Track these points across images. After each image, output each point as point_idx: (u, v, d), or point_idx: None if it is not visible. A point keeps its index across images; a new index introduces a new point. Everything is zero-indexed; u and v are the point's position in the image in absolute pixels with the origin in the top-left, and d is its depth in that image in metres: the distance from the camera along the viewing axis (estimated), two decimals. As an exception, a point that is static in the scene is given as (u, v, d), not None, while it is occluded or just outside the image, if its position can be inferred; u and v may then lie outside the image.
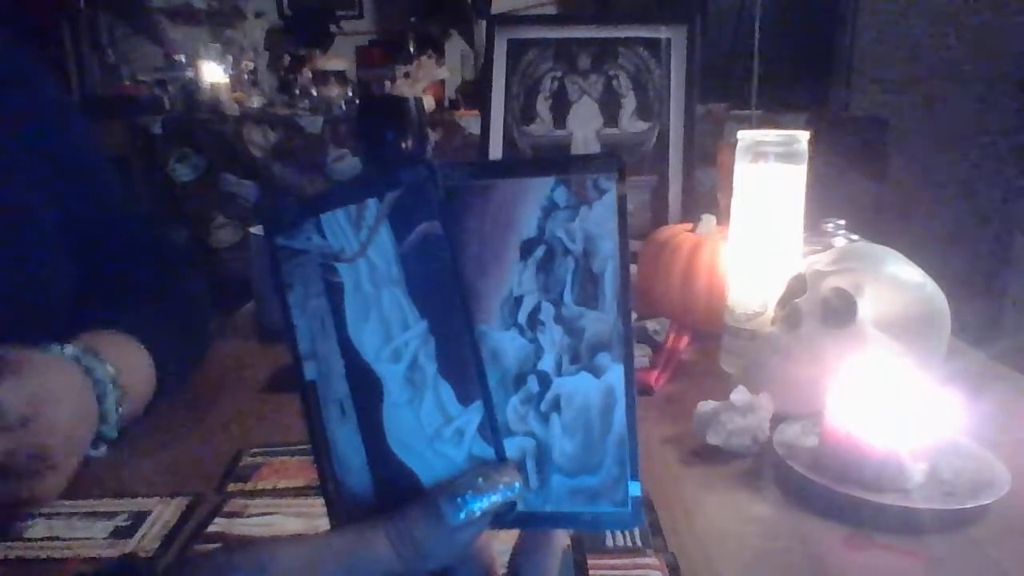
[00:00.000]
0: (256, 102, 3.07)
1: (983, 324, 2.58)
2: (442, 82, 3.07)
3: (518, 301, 0.29)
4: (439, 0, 3.20)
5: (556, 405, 0.29)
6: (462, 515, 0.28)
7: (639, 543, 0.50)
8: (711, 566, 0.48)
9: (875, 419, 0.54)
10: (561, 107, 1.22)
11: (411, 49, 3.17)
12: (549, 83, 1.22)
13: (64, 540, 0.51)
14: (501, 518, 0.29)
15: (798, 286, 0.71)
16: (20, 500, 0.50)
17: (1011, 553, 0.49)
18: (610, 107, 1.21)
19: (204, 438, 0.67)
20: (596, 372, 0.29)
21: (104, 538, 0.51)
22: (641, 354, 0.79)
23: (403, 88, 2.83)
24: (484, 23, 1.45)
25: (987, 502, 0.52)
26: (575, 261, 0.29)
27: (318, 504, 0.54)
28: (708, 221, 0.94)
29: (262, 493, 0.57)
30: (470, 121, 2.67)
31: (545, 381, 0.29)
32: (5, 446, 0.47)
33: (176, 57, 3.22)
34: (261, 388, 0.78)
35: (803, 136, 0.75)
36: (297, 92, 3.09)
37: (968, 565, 0.49)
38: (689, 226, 0.97)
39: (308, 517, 0.54)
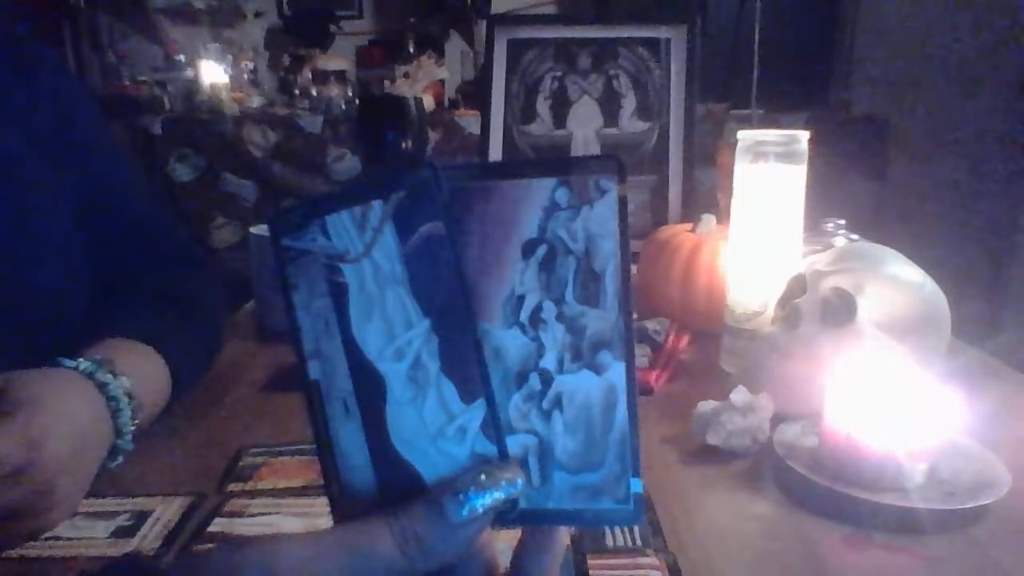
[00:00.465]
0: (256, 102, 3.07)
1: (983, 323, 2.58)
2: (442, 82, 3.07)
3: (520, 300, 0.29)
4: (439, 0, 3.20)
5: (558, 403, 0.29)
6: (465, 512, 0.28)
7: (639, 543, 0.50)
8: (711, 566, 0.48)
9: (875, 419, 0.54)
10: (561, 107, 1.22)
11: (411, 49, 3.17)
12: (549, 83, 1.22)
13: (66, 540, 0.51)
14: (504, 515, 0.29)
15: (798, 286, 0.71)
16: (21, 536, 0.49)
17: (1011, 553, 0.49)
18: (610, 107, 1.22)
19: (204, 438, 0.67)
20: (598, 370, 0.29)
21: (105, 538, 0.52)
22: (641, 354, 0.79)
23: (403, 88, 2.83)
24: (484, 23, 1.45)
25: (987, 502, 0.52)
26: (576, 260, 0.29)
27: (318, 504, 0.55)
28: (708, 221, 0.94)
29: (262, 493, 0.57)
30: (470, 121, 2.67)
31: (547, 379, 0.29)
32: (2, 495, 0.45)
33: (176, 57, 3.22)
34: (261, 388, 0.78)
35: (803, 136, 0.75)
36: (297, 92, 3.09)
37: (968, 565, 0.49)
38: (689, 226, 0.97)
39: (308, 517, 0.54)
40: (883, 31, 3.08)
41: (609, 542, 0.50)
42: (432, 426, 0.30)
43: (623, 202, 0.28)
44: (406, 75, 2.88)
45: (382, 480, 0.31)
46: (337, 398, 0.31)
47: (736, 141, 0.78)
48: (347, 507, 0.31)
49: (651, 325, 0.85)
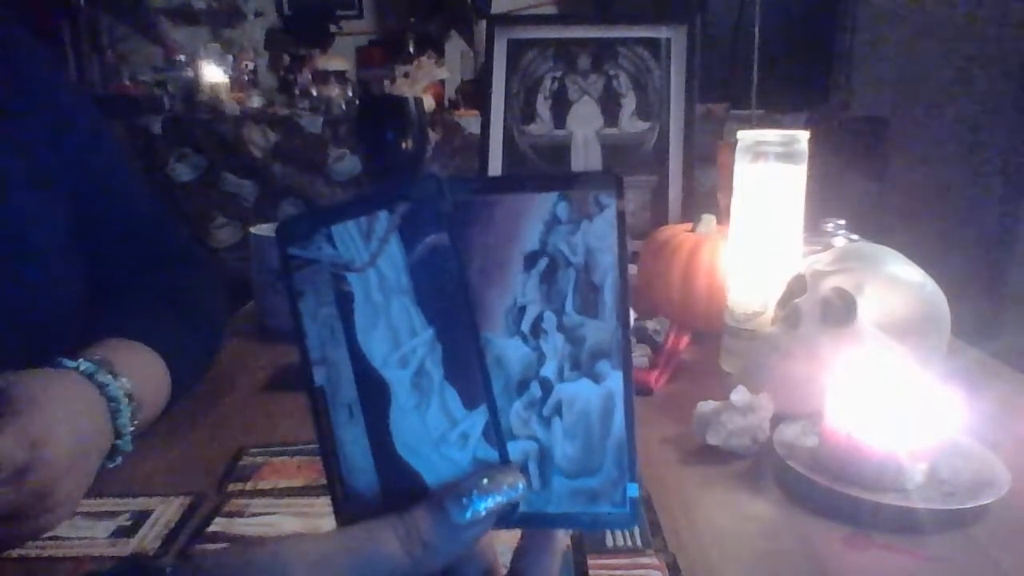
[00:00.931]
0: (256, 102, 3.06)
1: (983, 323, 2.58)
2: (442, 82, 3.07)
3: (522, 310, 0.30)
4: (439, 0, 3.19)
5: (558, 410, 0.30)
6: (468, 514, 0.29)
7: (639, 543, 0.50)
8: (711, 566, 0.48)
9: (875, 419, 0.54)
10: (561, 107, 1.23)
11: (411, 49, 3.17)
12: (549, 83, 1.23)
13: (66, 540, 0.51)
14: (504, 518, 0.30)
15: (798, 286, 0.71)
16: (20, 538, 0.49)
17: (1011, 553, 0.49)
18: (610, 107, 1.22)
19: (205, 438, 0.67)
20: (596, 378, 0.30)
21: (106, 538, 0.52)
22: (641, 354, 0.79)
23: (403, 88, 2.82)
24: (484, 23, 1.45)
25: (987, 502, 0.52)
26: (576, 273, 0.30)
27: (318, 504, 0.55)
28: (708, 221, 0.94)
29: (262, 493, 0.57)
30: (470, 121, 2.66)
31: (547, 387, 0.30)
32: (3, 496, 0.45)
33: (176, 57, 3.21)
34: (261, 388, 0.78)
35: (803, 136, 0.76)
36: (297, 92, 3.09)
37: (968, 565, 0.49)
38: (689, 226, 0.97)
39: (308, 517, 0.54)
40: (883, 31, 3.07)
41: (609, 542, 0.50)
42: (435, 432, 0.31)
43: (622, 217, 0.29)
44: (406, 75, 2.87)
45: (385, 484, 0.31)
46: (342, 404, 0.31)
47: (736, 141, 0.78)
48: (351, 510, 0.32)
49: (651, 325, 0.85)
